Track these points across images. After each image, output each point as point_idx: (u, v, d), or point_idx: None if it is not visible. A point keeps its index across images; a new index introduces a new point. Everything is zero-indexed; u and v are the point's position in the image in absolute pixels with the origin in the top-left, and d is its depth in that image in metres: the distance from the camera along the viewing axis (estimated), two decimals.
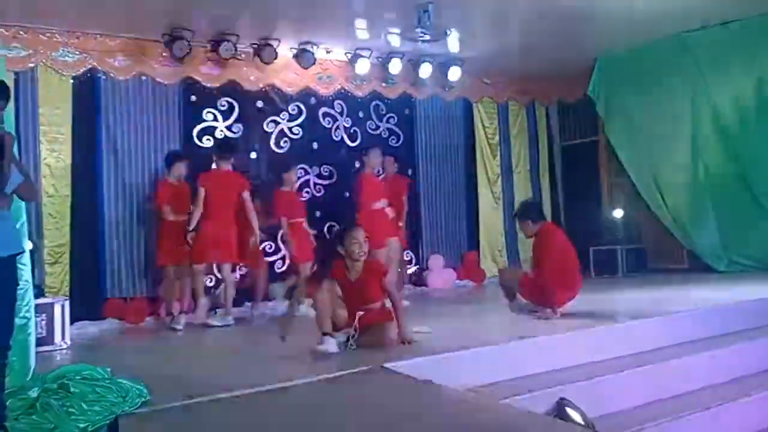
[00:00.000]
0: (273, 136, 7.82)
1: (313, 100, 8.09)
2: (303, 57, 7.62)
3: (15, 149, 3.09)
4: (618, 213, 8.95)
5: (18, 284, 3.13)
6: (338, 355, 4.08)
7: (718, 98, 7.80)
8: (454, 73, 8.57)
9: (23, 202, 3.65)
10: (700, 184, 8.09)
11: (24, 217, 3.98)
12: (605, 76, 8.93)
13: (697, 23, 7.66)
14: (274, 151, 7.79)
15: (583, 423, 3.45)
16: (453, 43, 7.77)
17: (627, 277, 8.39)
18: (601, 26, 7.48)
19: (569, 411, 3.52)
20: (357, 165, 6.97)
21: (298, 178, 7.84)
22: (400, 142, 8.78)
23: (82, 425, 3.02)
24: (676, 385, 4.25)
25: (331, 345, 4.09)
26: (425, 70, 8.39)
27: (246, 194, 6.29)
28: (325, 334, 4.14)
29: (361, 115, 8.43)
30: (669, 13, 7.11)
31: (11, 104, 3.27)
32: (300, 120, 8.00)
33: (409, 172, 8.76)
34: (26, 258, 3.85)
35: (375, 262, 4.78)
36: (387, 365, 3.67)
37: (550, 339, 4.39)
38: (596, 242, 8.86)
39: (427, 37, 6.87)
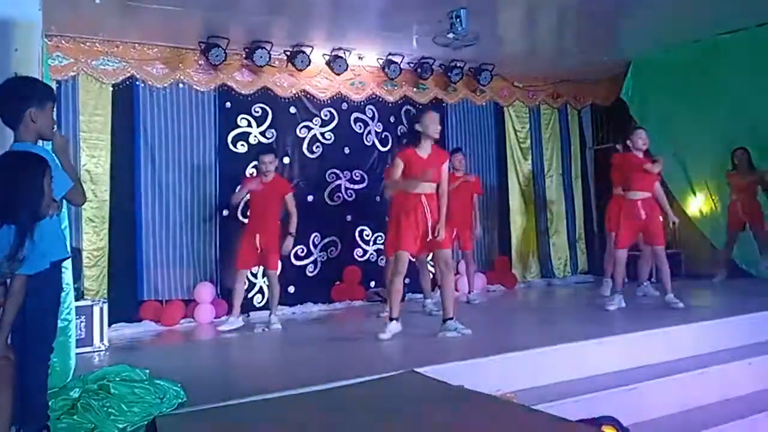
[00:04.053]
0: (306, 142, 7.90)
1: (344, 106, 8.14)
2: (335, 63, 7.69)
3: None
4: None
5: (62, 288, 3.22)
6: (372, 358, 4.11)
7: (755, 101, 7.65)
8: (485, 78, 8.57)
9: (65, 207, 3.74)
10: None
11: (66, 221, 4.09)
12: (639, 79, 8.81)
13: (732, 25, 7.54)
14: (306, 156, 7.87)
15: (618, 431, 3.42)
16: (484, 47, 7.75)
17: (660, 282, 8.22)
18: (634, 29, 7.40)
19: (604, 417, 3.50)
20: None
21: (329, 182, 7.95)
22: None
23: (121, 425, 3.11)
24: (714, 394, 4.20)
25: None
26: (456, 75, 8.40)
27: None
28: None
29: (392, 120, 8.45)
30: (703, 15, 7.01)
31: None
32: (332, 125, 8.06)
33: None
34: (67, 261, 3.96)
35: None
36: (418, 369, 3.68)
37: (584, 345, 4.36)
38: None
39: (459, 42, 6.87)
